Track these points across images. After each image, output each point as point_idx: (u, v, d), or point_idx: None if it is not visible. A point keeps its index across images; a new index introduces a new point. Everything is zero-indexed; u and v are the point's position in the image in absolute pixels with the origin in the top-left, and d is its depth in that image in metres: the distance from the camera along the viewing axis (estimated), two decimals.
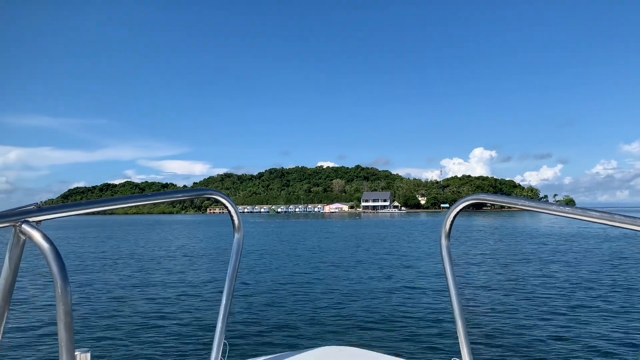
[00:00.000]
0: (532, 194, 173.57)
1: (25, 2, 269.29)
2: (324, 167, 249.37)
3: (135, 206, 1.52)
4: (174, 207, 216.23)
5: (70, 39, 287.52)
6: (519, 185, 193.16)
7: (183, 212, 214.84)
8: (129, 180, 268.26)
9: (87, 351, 1.28)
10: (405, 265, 17.64)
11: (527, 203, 1.64)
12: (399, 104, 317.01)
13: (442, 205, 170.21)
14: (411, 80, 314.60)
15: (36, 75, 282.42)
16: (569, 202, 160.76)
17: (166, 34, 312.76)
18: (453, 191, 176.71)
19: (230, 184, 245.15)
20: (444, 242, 1.90)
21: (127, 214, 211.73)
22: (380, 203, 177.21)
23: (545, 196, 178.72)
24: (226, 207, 2.01)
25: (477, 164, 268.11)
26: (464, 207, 1.82)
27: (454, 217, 1.86)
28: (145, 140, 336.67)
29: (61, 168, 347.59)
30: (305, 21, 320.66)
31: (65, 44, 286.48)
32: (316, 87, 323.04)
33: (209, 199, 1.94)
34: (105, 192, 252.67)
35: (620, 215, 1.38)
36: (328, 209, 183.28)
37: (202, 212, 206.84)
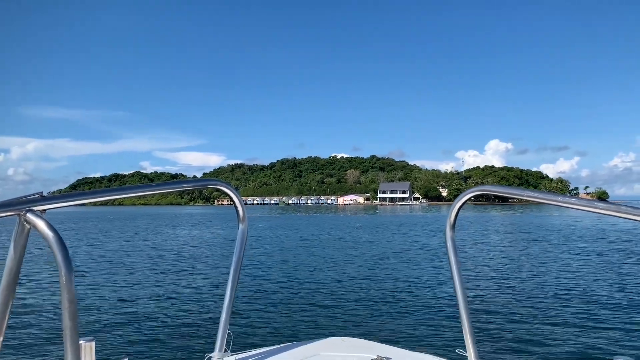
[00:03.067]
0: (561, 185, 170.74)
1: None
2: (338, 157, 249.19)
3: (141, 196, 1.56)
4: (182, 198, 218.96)
5: (88, 31, 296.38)
6: (547, 176, 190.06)
7: (192, 203, 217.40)
8: (138, 171, 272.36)
9: (92, 340, 1.31)
10: (412, 261, 17.55)
11: (532, 194, 1.68)
12: (414, 96, 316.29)
13: None
14: (426, 71, 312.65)
15: (53, 67, 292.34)
16: (602, 195, 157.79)
17: (181, 26, 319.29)
18: (477, 182, 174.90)
19: (240, 174, 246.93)
20: (449, 233, 1.97)
21: (134, 204, 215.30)
22: (398, 195, 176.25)
23: (576, 188, 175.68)
24: (230, 198, 2.08)
25: (492, 156, 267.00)
26: (469, 199, 1.91)
27: (459, 208, 1.95)
28: (161, 132, 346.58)
29: (79, 159, 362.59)
30: (317, 10, 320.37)
31: (82, 36, 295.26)
32: (331, 79, 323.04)
33: (216, 190, 2.00)
34: (114, 183, 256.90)
35: (626, 206, 1.41)
36: (342, 200, 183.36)
37: (211, 204, 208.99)
